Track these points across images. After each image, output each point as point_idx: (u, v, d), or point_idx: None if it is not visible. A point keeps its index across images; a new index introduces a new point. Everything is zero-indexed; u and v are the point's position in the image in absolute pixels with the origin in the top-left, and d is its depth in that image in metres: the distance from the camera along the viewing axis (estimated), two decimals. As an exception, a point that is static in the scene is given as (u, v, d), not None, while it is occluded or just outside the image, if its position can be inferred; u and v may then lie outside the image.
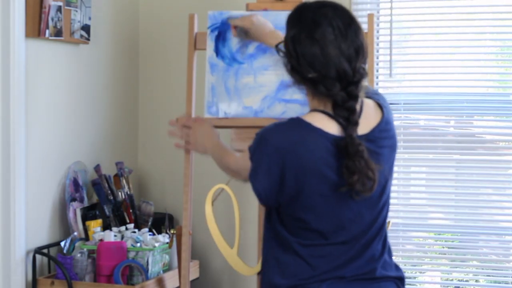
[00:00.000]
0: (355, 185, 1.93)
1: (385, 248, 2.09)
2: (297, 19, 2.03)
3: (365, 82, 2.04)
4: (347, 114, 1.96)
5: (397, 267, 2.13)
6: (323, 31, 1.96)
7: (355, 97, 1.97)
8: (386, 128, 2.05)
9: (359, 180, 1.92)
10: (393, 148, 2.08)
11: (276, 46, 2.08)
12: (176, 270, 3.22)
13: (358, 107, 2.01)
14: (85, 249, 3.09)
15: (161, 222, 3.44)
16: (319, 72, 1.96)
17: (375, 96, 2.11)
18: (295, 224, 2.03)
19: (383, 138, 2.03)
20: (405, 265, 3.66)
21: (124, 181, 3.44)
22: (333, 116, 1.97)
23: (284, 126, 2.00)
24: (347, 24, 1.99)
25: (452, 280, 3.74)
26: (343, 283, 2.00)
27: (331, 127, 1.97)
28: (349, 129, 1.95)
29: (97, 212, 3.32)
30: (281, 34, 2.68)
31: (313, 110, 2.01)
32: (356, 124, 1.96)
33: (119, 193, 3.41)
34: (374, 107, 2.06)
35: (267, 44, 2.76)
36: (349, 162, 1.92)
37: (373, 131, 2.01)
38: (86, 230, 3.21)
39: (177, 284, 3.19)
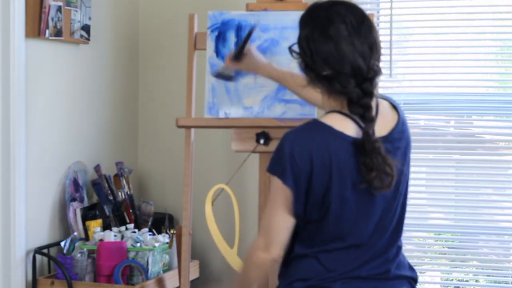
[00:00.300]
0: (373, 182, 1.93)
1: (400, 249, 2.09)
2: (309, 18, 2.03)
3: (379, 80, 2.05)
4: (362, 111, 1.96)
5: (411, 268, 2.13)
6: (336, 28, 1.97)
7: (370, 94, 1.97)
8: (402, 129, 2.06)
9: (377, 177, 1.93)
10: (407, 148, 2.08)
11: (290, 47, 2.09)
12: (176, 270, 3.22)
13: (373, 105, 2.02)
14: (85, 249, 3.09)
15: (161, 222, 3.44)
16: (334, 68, 1.96)
17: (386, 98, 2.12)
18: (314, 231, 2.00)
19: (400, 139, 2.04)
20: (405, 265, 3.65)
21: (124, 181, 3.44)
22: (350, 116, 1.97)
23: (305, 130, 1.99)
24: (360, 20, 1.99)
25: (452, 280, 3.74)
26: (357, 281, 2.00)
27: (350, 129, 1.96)
28: (365, 126, 1.95)
29: (97, 212, 3.32)
30: (276, 66, 2.72)
31: (330, 111, 2.01)
32: (372, 120, 1.96)
33: (119, 193, 3.41)
34: (390, 108, 2.07)
35: (260, 75, 2.79)
36: (366, 159, 1.92)
37: (391, 132, 2.02)
38: (86, 230, 3.21)
39: (177, 284, 3.19)
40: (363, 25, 1.99)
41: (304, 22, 2.05)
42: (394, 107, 2.09)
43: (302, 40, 2.03)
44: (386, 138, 2.00)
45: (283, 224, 1.99)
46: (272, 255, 2.00)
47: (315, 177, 1.94)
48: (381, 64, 2.04)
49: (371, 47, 1.99)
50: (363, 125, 1.96)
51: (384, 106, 2.06)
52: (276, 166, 1.98)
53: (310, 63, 2.00)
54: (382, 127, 2.01)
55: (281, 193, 1.97)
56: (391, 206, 2.04)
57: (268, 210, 2.01)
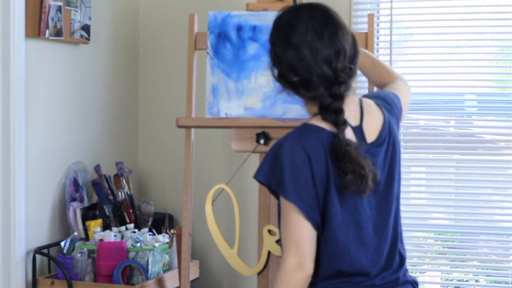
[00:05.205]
0: (351, 186, 1.91)
1: (404, 259, 2.07)
2: (276, 23, 2.02)
3: (354, 82, 2.02)
4: (334, 117, 1.94)
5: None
6: (298, 34, 1.95)
7: (339, 97, 1.95)
8: (389, 130, 2.04)
9: (354, 181, 1.90)
10: (396, 147, 2.06)
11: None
12: (176, 270, 3.22)
13: (357, 105, 2.01)
14: (85, 249, 3.09)
15: (161, 222, 3.44)
16: (300, 75, 1.95)
17: (371, 97, 2.11)
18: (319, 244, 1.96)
19: (388, 140, 2.03)
20: (405, 265, 3.65)
21: (124, 181, 3.43)
22: (326, 120, 1.96)
23: (298, 134, 1.96)
24: (324, 24, 1.96)
25: (452, 280, 3.74)
26: None
27: (331, 129, 1.96)
28: (337, 131, 1.93)
29: (97, 212, 3.32)
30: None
31: (315, 115, 2.00)
32: (343, 124, 1.94)
33: (119, 193, 3.41)
34: (375, 107, 2.06)
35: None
36: (341, 163, 1.91)
37: (380, 135, 2.01)
38: (86, 230, 3.21)
39: (177, 284, 3.20)
40: (326, 29, 1.95)
41: (273, 26, 2.03)
42: (379, 106, 2.08)
43: (270, 47, 2.02)
44: (376, 143, 1.99)
45: (308, 236, 1.91)
46: (308, 272, 1.90)
47: (317, 175, 1.91)
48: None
49: (338, 51, 1.95)
50: (333, 124, 1.94)
51: (369, 105, 2.05)
52: (271, 178, 1.93)
53: (279, 69, 1.99)
54: (371, 129, 2.00)
55: (289, 207, 1.91)
56: (390, 207, 2.02)
57: (287, 225, 1.92)
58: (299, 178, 1.90)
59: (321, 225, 1.93)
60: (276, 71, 2.01)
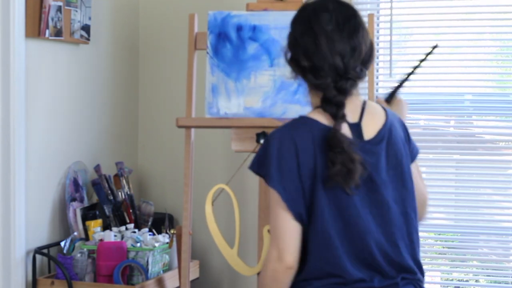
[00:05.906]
0: (336, 177, 1.90)
1: (408, 262, 2.05)
2: (301, 10, 2.06)
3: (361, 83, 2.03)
4: (335, 110, 1.95)
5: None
6: (319, 22, 1.98)
7: (344, 92, 1.97)
8: (390, 131, 2.03)
9: (340, 172, 1.90)
10: (398, 149, 2.05)
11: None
12: (176, 270, 3.22)
13: (358, 107, 2.01)
14: (85, 249, 3.09)
15: (161, 222, 3.44)
16: (312, 61, 1.97)
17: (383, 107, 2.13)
18: (314, 240, 1.95)
19: (387, 141, 2.02)
20: (405, 265, 3.65)
21: (124, 181, 3.43)
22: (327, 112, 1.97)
23: (290, 125, 1.99)
24: (346, 19, 1.99)
25: (452, 280, 3.74)
26: None
27: (330, 121, 1.96)
28: (335, 123, 1.94)
29: (97, 212, 3.32)
30: None
31: (315, 108, 2.01)
32: (342, 118, 1.95)
33: (119, 193, 3.41)
34: (380, 109, 2.07)
35: None
36: (330, 153, 1.91)
37: (377, 134, 2.00)
38: (86, 230, 3.21)
39: (177, 284, 3.20)
40: (348, 24, 1.98)
41: (297, 13, 2.07)
42: (385, 110, 2.09)
43: (290, 30, 2.05)
44: (373, 141, 1.99)
45: (289, 228, 1.93)
46: (286, 263, 1.92)
47: (303, 170, 1.91)
48: (381, 64, 2.02)
49: (354, 47, 1.97)
50: (332, 117, 1.95)
51: (373, 107, 2.06)
52: (261, 166, 1.97)
53: (292, 52, 2.02)
54: (370, 128, 2.00)
55: (273, 196, 1.94)
56: (383, 207, 2.00)
57: (271, 216, 1.95)
58: (283, 167, 1.92)
59: (308, 218, 1.93)
60: (289, 54, 2.04)
